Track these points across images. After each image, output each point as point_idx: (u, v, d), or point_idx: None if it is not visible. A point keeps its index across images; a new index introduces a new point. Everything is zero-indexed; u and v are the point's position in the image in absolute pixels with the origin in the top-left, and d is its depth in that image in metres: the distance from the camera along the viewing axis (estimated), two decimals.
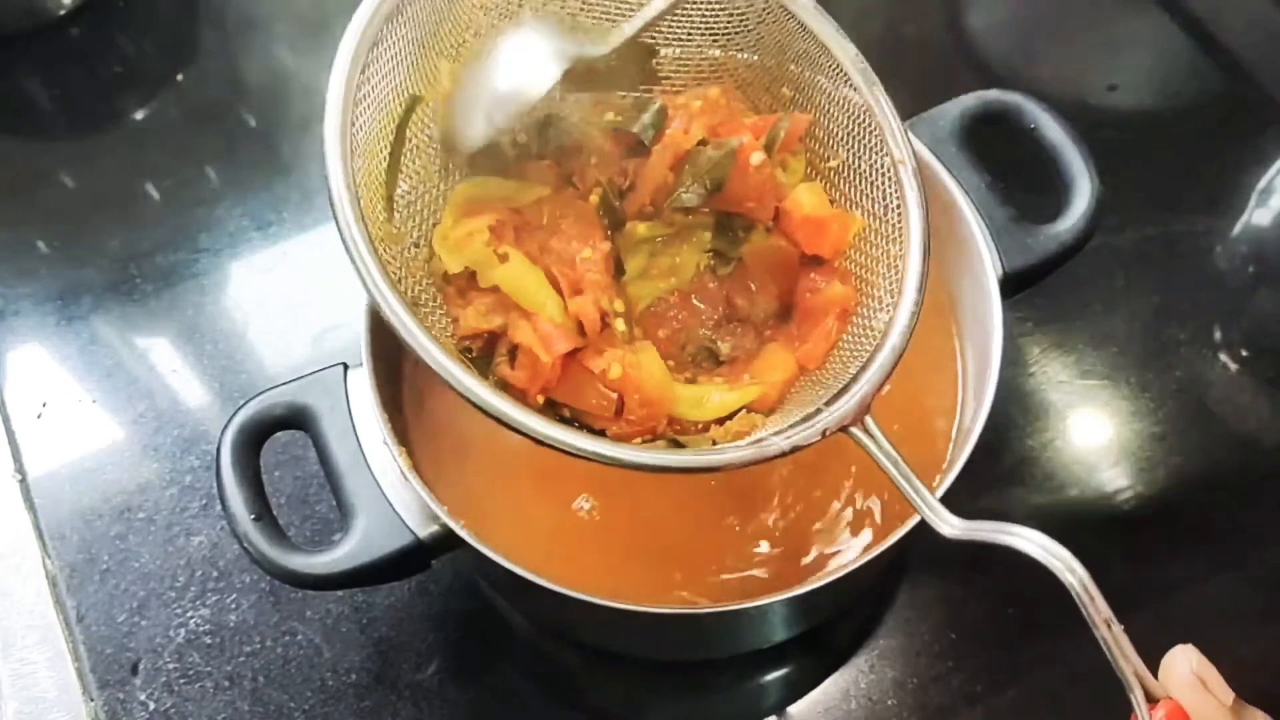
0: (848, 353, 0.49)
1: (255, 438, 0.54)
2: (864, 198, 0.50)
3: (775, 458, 0.44)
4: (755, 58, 0.52)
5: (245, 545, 0.51)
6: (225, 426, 0.53)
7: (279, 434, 0.54)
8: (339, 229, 0.42)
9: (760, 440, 0.45)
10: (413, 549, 0.51)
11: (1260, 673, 0.61)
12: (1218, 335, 0.74)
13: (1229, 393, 0.72)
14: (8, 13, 0.88)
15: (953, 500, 0.50)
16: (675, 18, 0.50)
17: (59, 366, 0.74)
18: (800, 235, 0.50)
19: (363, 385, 0.53)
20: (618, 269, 0.49)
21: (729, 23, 0.51)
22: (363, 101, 0.44)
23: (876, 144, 0.49)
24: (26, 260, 0.79)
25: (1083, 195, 0.59)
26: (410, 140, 0.47)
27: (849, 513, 0.58)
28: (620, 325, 0.47)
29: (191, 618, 0.64)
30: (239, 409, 0.53)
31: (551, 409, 0.47)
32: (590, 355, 0.46)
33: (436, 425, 0.58)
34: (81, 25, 0.90)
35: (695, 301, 0.51)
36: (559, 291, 0.47)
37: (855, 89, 0.49)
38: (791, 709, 0.62)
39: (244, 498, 0.51)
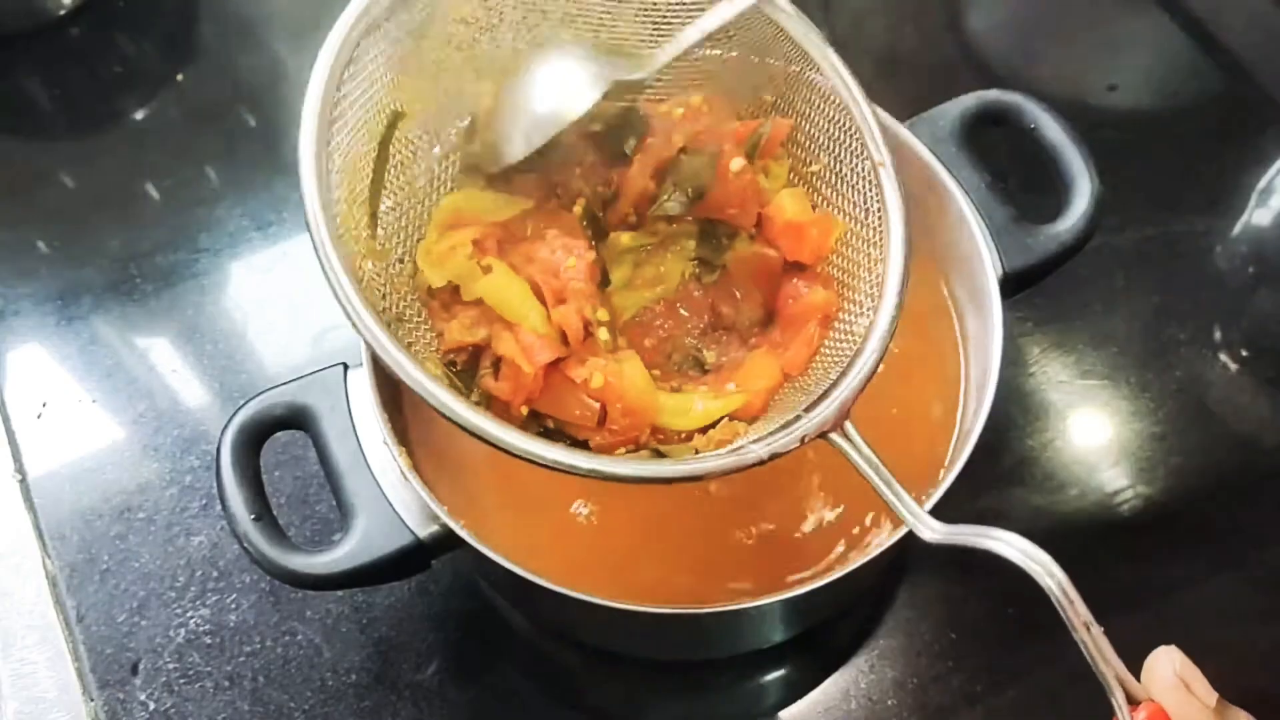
0: (830, 358, 0.49)
1: (255, 438, 0.54)
2: (845, 201, 0.50)
3: (754, 465, 0.44)
4: (735, 54, 0.52)
5: (245, 545, 0.51)
6: (225, 426, 0.53)
7: (279, 434, 0.54)
8: (315, 249, 0.42)
9: (739, 448, 0.45)
10: (413, 549, 0.51)
11: (1260, 673, 0.62)
12: (1218, 335, 0.74)
13: (1229, 393, 0.72)
14: (8, 13, 0.88)
15: (953, 500, 0.50)
16: (658, 26, 0.50)
17: (59, 366, 0.74)
18: (782, 242, 0.50)
19: (363, 385, 0.53)
20: (602, 278, 0.49)
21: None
22: (340, 119, 0.44)
23: (857, 147, 0.49)
24: (26, 260, 0.79)
25: (1083, 195, 0.59)
26: (394, 156, 0.47)
27: (849, 512, 0.58)
28: (604, 334, 0.47)
29: (191, 618, 0.64)
30: (239, 409, 0.53)
31: (535, 420, 0.47)
32: (573, 365, 0.46)
33: (436, 425, 0.58)
34: (81, 25, 0.90)
35: (680, 310, 0.52)
36: (543, 302, 0.47)
37: (835, 92, 0.49)
38: (791, 709, 0.62)
39: (244, 498, 0.51)
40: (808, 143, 0.51)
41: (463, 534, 0.50)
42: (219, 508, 0.53)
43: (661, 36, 0.51)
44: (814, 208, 0.52)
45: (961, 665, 0.63)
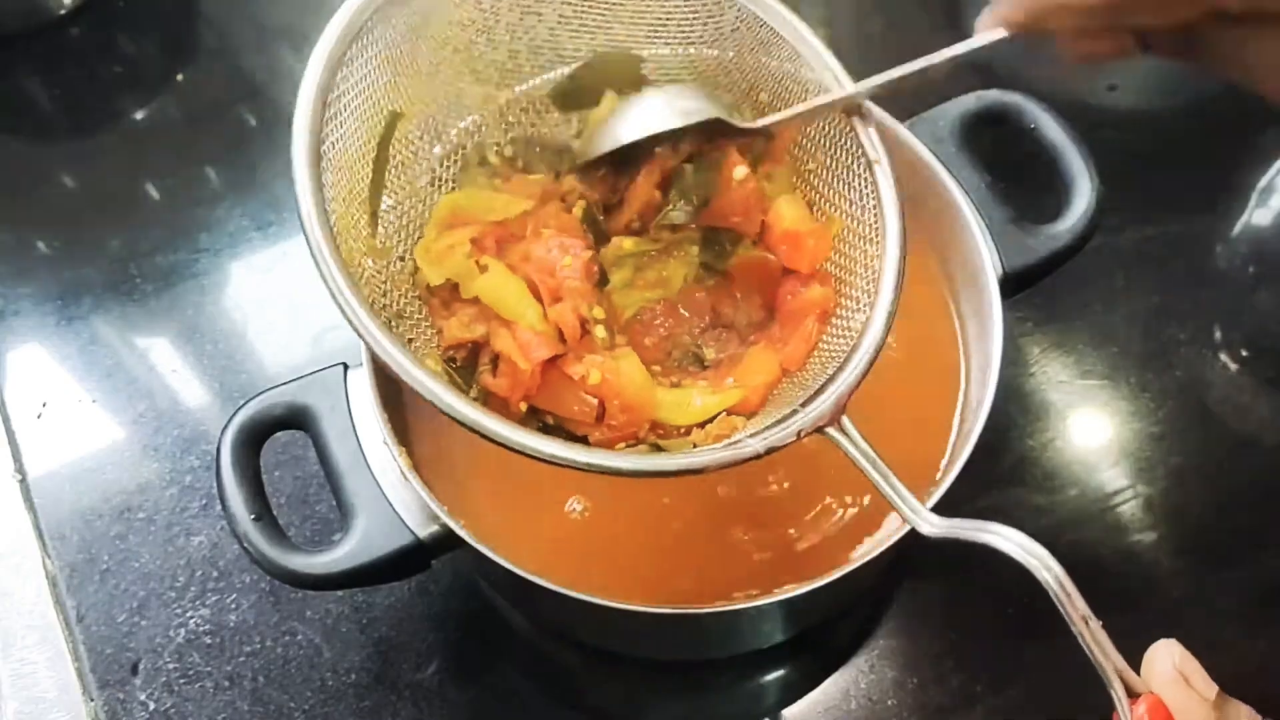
0: (827, 353, 0.49)
1: (255, 438, 0.54)
2: (841, 199, 0.50)
3: (750, 459, 0.44)
4: (731, 54, 0.52)
5: (245, 545, 0.51)
6: (225, 426, 0.53)
7: (279, 434, 0.54)
8: (309, 247, 0.42)
9: (736, 442, 0.45)
10: (413, 549, 0.51)
11: (1259, 673, 0.62)
12: (1218, 335, 0.74)
13: (1229, 393, 0.72)
14: (8, 13, 0.88)
15: (953, 500, 0.50)
16: (654, 29, 0.51)
17: (59, 366, 0.74)
18: (780, 249, 0.50)
19: (363, 385, 0.53)
20: (600, 277, 0.49)
21: (705, 30, 0.51)
22: (334, 119, 0.44)
23: (852, 145, 0.49)
24: (26, 260, 0.79)
25: (1083, 195, 0.59)
26: (394, 156, 0.48)
27: (849, 512, 0.58)
28: (600, 332, 0.47)
29: (191, 618, 0.64)
30: (239, 409, 0.53)
31: (534, 416, 0.47)
32: (570, 362, 0.46)
33: (436, 425, 0.58)
34: (81, 25, 0.90)
35: (681, 310, 0.52)
36: (540, 300, 0.47)
37: (829, 90, 0.49)
38: (792, 709, 0.62)
39: (244, 498, 0.51)
40: (804, 141, 0.51)
41: (463, 534, 0.50)
42: (219, 508, 0.53)
43: (656, 39, 0.51)
44: (811, 205, 0.52)
45: (961, 665, 0.63)
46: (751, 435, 0.45)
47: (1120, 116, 0.84)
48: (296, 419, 0.54)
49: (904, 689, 0.62)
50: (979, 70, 0.88)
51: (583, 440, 0.46)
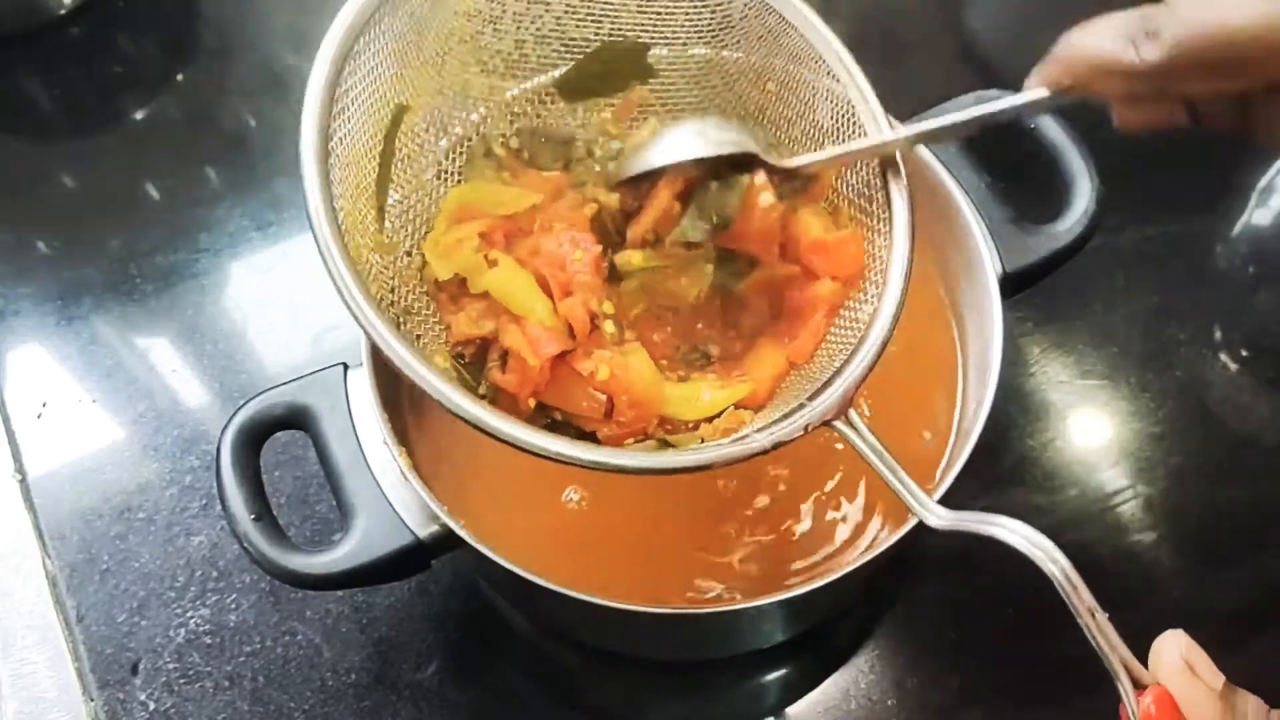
0: (834, 346, 0.49)
1: (255, 438, 0.54)
2: (849, 189, 0.50)
3: (757, 454, 0.44)
4: (740, 55, 0.52)
5: (245, 545, 0.51)
6: (225, 426, 0.53)
7: (279, 434, 0.54)
8: (317, 242, 0.42)
9: (743, 438, 0.45)
10: (413, 549, 0.51)
11: (1259, 673, 0.62)
12: (1218, 335, 0.74)
13: (1229, 393, 0.72)
14: (8, 13, 0.88)
15: (953, 500, 0.50)
16: (661, 18, 0.50)
17: (59, 366, 0.74)
18: (812, 260, 0.49)
19: (363, 385, 0.53)
20: (609, 272, 0.49)
21: (713, 19, 0.51)
22: (342, 114, 0.44)
23: (860, 135, 0.49)
24: (26, 260, 0.79)
25: (1083, 195, 0.59)
26: (400, 150, 0.47)
27: (850, 512, 0.58)
28: (609, 327, 0.47)
29: (191, 618, 0.64)
30: (239, 409, 0.53)
31: (543, 412, 0.47)
32: (579, 357, 0.46)
33: (436, 425, 0.58)
34: (81, 25, 0.90)
35: (690, 310, 0.51)
36: (549, 295, 0.47)
37: (838, 80, 0.49)
38: (791, 709, 0.62)
39: (244, 498, 0.51)
40: (814, 132, 0.51)
41: (463, 534, 0.50)
42: (219, 508, 0.53)
43: (663, 28, 0.51)
44: (825, 202, 0.51)
45: (961, 665, 0.63)
46: (758, 430, 0.45)
47: None
48: (296, 419, 0.54)
49: (904, 689, 0.62)
50: (979, 70, 0.88)
51: (590, 436, 0.46)
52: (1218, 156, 0.82)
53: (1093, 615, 0.38)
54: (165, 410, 0.72)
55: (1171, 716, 0.37)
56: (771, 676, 0.63)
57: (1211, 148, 0.82)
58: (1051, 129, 0.61)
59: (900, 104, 0.60)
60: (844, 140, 0.50)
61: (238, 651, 0.63)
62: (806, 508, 0.58)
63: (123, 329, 0.75)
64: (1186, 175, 0.80)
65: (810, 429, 0.45)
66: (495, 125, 0.51)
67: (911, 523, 0.49)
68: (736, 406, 0.48)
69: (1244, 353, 0.73)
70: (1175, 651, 0.38)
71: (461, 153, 0.50)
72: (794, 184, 0.49)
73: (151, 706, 0.62)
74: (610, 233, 0.49)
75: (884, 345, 0.46)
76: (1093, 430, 0.70)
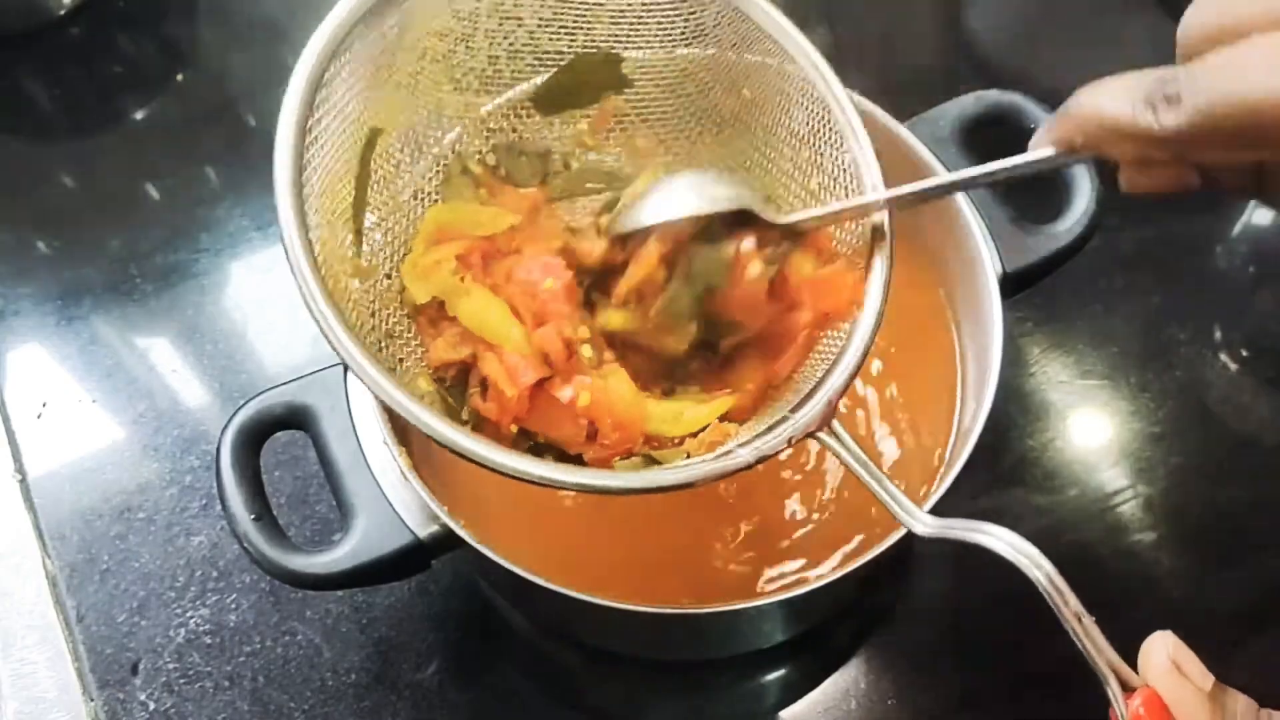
0: (817, 355, 0.48)
1: (255, 438, 0.54)
2: (828, 194, 0.50)
3: (741, 470, 0.43)
4: (714, 61, 0.51)
5: (245, 545, 0.51)
6: (225, 426, 0.53)
7: (279, 434, 0.54)
8: (294, 278, 0.42)
9: (726, 453, 0.44)
10: (413, 549, 0.51)
11: (1259, 673, 0.61)
12: (1218, 335, 0.74)
13: (1229, 393, 0.72)
14: (8, 13, 0.88)
15: (952, 500, 0.50)
16: (634, 27, 0.50)
17: (59, 366, 0.74)
18: (805, 298, 0.48)
19: (363, 385, 0.53)
20: (585, 297, 0.48)
21: (686, 27, 0.50)
22: (316, 142, 0.43)
23: (836, 140, 0.48)
24: (26, 260, 0.79)
25: (1083, 195, 0.59)
26: (376, 172, 0.47)
27: (850, 512, 0.58)
28: (587, 351, 0.46)
29: (191, 618, 0.64)
30: (239, 409, 0.53)
31: (526, 435, 0.46)
32: (558, 384, 0.45)
33: None
34: (81, 25, 0.90)
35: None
36: (524, 321, 0.46)
37: (813, 85, 0.48)
38: (791, 709, 0.62)
39: (244, 498, 0.51)
40: (790, 138, 0.51)
41: (463, 534, 0.50)
42: (219, 508, 0.53)
43: (636, 39, 0.50)
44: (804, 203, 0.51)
45: (961, 665, 0.63)
46: (741, 445, 0.45)
47: None
48: (296, 419, 0.54)
49: (904, 689, 0.62)
50: (979, 70, 0.88)
51: (576, 457, 0.46)
52: None
53: (1079, 619, 0.38)
54: (165, 410, 0.72)
55: (1160, 718, 0.37)
56: (771, 676, 0.63)
57: None
58: None
59: (900, 104, 0.60)
60: (819, 147, 0.49)
61: (238, 651, 0.63)
62: (806, 507, 0.58)
63: (123, 329, 0.75)
64: (1209, 190, 0.80)
65: (794, 442, 0.44)
66: (471, 142, 0.50)
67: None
68: (721, 419, 0.47)
69: (1244, 353, 0.73)
70: (1163, 653, 0.38)
71: (438, 172, 0.50)
72: (789, 241, 0.48)
73: (151, 706, 0.62)
74: (591, 296, 0.48)
75: (865, 355, 0.46)
76: (1093, 430, 0.70)
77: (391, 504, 0.52)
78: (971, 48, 0.90)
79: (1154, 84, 0.35)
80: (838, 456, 0.45)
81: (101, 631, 0.64)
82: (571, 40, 0.50)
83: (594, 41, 0.50)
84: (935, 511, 0.45)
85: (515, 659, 0.64)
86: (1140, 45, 0.89)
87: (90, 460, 0.70)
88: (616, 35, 0.50)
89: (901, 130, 0.60)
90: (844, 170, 0.48)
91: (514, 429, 0.46)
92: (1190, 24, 0.35)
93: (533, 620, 0.65)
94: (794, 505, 0.58)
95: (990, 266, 0.57)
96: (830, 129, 0.48)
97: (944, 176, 0.46)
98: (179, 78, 0.89)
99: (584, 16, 0.49)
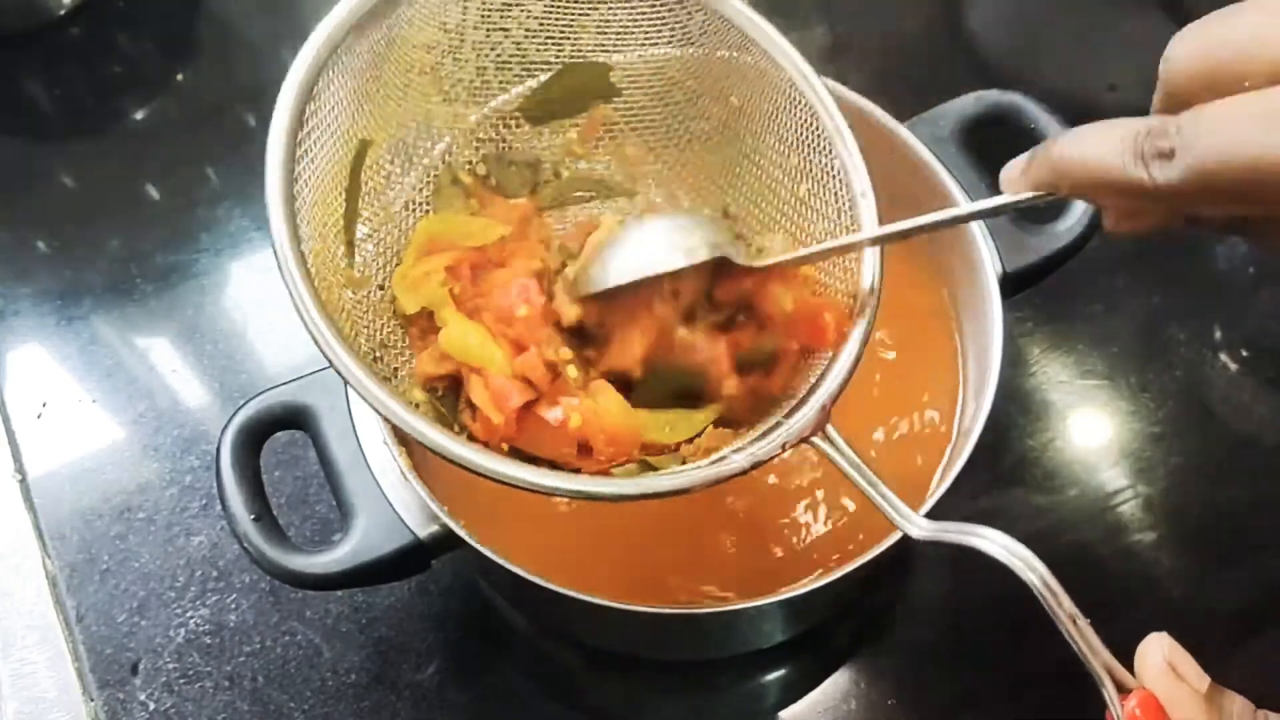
0: (813, 360, 0.48)
1: (255, 438, 0.54)
2: (819, 201, 0.49)
3: (737, 475, 0.44)
4: (701, 69, 0.51)
5: (245, 545, 0.51)
6: (225, 426, 0.53)
7: (279, 434, 0.54)
8: (288, 290, 0.42)
9: (721, 459, 0.44)
10: (413, 549, 0.51)
11: (1259, 673, 0.62)
12: (1218, 335, 0.74)
13: (1229, 393, 0.72)
14: (8, 13, 0.88)
15: (952, 500, 0.50)
16: (620, 35, 0.50)
17: (59, 366, 0.74)
18: (791, 331, 0.48)
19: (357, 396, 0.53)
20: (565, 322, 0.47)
21: (672, 36, 0.50)
22: (305, 157, 0.43)
23: (825, 146, 0.48)
24: (26, 260, 0.79)
25: None
26: (366, 184, 0.47)
27: (850, 510, 0.58)
28: (572, 371, 0.46)
29: (191, 618, 0.64)
30: (239, 409, 0.53)
31: (518, 452, 0.46)
32: (545, 406, 0.45)
33: None
34: (81, 25, 0.90)
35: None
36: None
37: (800, 92, 0.48)
38: (791, 709, 0.62)
39: (244, 498, 0.51)
40: (778, 145, 0.51)
41: (463, 534, 0.50)
42: (219, 508, 0.53)
43: (623, 47, 0.50)
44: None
45: (962, 665, 0.63)
46: (735, 450, 0.45)
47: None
48: (296, 419, 0.54)
49: (904, 689, 0.62)
50: (979, 70, 0.88)
51: (575, 471, 0.45)
52: None
53: (1074, 621, 0.38)
54: (165, 410, 0.72)
55: (1156, 719, 0.37)
56: (771, 676, 0.63)
57: None
58: (1051, 129, 0.61)
59: (900, 104, 0.60)
60: (807, 154, 0.49)
61: (238, 651, 0.63)
62: (807, 507, 0.58)
63: (123, 329, 0.75)
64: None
65: (788, 447, 0.44)
66: (461, 153, 0.50)
67: None
68: (716, 424, 0.47)
69: (1244, 353, 0.73)
70: (1159, 654, 0.38)
71: (429, 182, 0.50)
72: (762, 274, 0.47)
73: (151, 706, 0.62)
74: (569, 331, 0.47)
75: (858, 360, 0.46)
76: (1093, 430, 0.70)
77: (391, 504, 0.52)
78: (971, 48, 0.90)
79: (1144, 136, 0.34)
80: (832, 461, 0.45)
81: (101, 631, 0.64)
82: (559, 50, 0.50)
83: (581, 51, 0.50)
84: (936, 512, 0.45)
85: (515, 659, 0.64)
86: (1140, 46, 0.89)
87: (90, 460, 0.70)
88: (603, 45, 0.50)
89: (901, 130, 0.60)
90: (833, 176, 0.48)
91: (505, 448, 0.45)
92: (1176, 60, 0.34)
93: (533, 620, 0.65)
94: (795, 505, 0.58)
95: (990, 266, 0.57)
96: (818, 135, 0.48)
97: (931, 216, 0.43)
98: (179, 78, 0.89)
99: (570, 26, 0.49)
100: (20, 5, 0.89)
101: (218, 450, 0.52)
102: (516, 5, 0.48)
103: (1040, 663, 0.61)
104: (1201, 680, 0.38)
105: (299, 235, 0.42)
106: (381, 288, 0.47)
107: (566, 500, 0.57)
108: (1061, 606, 0.38)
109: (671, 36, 0.50)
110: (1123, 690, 0.38)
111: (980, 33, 0.91)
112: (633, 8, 0.49)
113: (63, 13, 0.90)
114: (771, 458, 0.44)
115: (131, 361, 0.74)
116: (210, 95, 0.87)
